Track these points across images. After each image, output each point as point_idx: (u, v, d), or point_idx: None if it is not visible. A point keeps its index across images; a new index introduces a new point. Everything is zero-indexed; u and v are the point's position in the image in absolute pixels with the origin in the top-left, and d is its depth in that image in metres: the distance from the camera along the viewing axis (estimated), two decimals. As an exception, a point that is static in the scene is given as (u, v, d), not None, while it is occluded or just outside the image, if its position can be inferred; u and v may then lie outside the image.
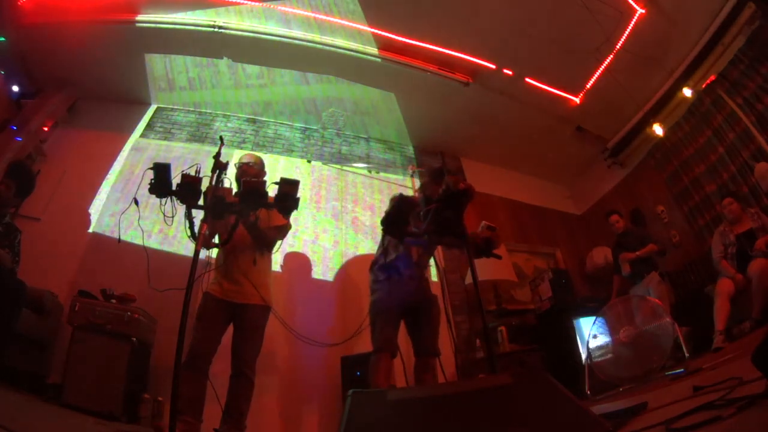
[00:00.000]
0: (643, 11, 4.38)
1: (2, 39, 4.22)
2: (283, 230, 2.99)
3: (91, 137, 4.63)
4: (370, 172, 5.41)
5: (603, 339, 3.26)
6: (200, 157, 4.65)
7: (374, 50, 4.67)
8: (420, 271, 2.87)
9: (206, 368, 2.56)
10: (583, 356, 3.50)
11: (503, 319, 4.45)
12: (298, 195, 2.30)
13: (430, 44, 4.64)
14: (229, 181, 2.86)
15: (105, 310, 3.09)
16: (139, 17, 4.33)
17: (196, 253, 2.18)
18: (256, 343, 2.78)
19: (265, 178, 2.76)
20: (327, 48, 4.61)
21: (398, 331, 2.73)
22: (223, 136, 3.17)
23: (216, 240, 2.87)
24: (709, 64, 4.70)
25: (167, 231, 3.95)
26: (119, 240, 2.67)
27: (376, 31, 4.54)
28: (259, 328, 2.81)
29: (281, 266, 4.29)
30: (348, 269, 4.54)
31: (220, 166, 2.59)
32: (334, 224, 4.83)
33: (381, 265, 2.81)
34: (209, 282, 2.82)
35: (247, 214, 2.62)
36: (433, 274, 3.59)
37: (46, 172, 4.02)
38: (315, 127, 5.62)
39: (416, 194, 3.19)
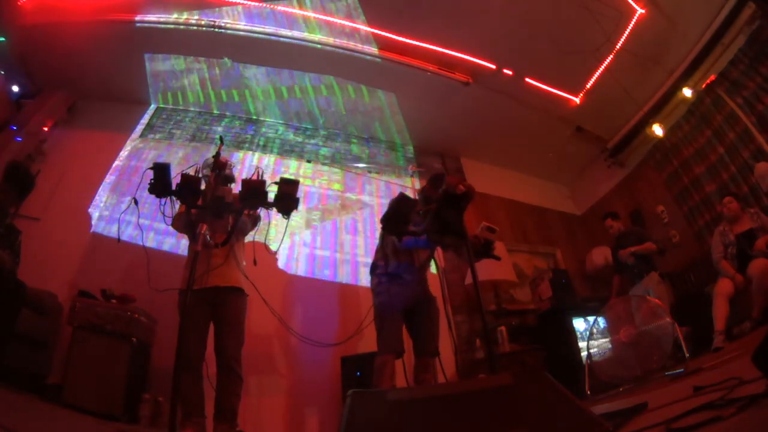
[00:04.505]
0: (643, 11, 4.38)
1: (2, 39, 4.22)
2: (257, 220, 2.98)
3: (90, 137, 4.63)
4: (370, 172, 5.41)
5: (603, 339, 3.26)
6: (200, 157, 4.66)
7: (374, 50, 4.66)
8: (422, 275, 2.87)
9: (200, 367, 2.55)
10: (583, 356, 3.50)
11: (503, 319, 4.45)
12: (298, 195, 2.29)
13: (430, 44, 4.64)
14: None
15: (105, 310, 3.09)
16: (139, 17, 4.32)
17: (196, 253, 2.18)
18: (240, 334, 2.74)
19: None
20: (327, 48, 4.61)
21: (402, 331, 2.73)
22: (223, 136, 3.17)
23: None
24: (709, 64, 4.70)
25: (167, 231, 3.95)
26: (119, 240, 2.67)
27: (376, 31, 4.53)
28: (240, 317, 2.77)
29: (280, 266, 4.30)
30: (348, 269, 4.54)
31: (219, 166, 2.59)
32: (334, 224, 4.83)
33: (383, 271, 2.80)
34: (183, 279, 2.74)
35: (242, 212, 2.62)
36: (433, 268, 3.59)
37: (45, 172, 4.01)
38: (315, 127, 5.62)
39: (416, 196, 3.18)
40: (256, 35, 4.51)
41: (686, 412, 1.34)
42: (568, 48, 4.52)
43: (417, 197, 2.89)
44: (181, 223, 2.74)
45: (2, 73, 4.39)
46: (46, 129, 4.40)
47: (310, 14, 4.44)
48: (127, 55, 4.63)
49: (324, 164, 5.28)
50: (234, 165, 3.12)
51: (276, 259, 4.22)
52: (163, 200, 2.28)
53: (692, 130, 4.90)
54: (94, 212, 4.18)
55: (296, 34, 4.54)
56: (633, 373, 2.93)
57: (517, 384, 1.41)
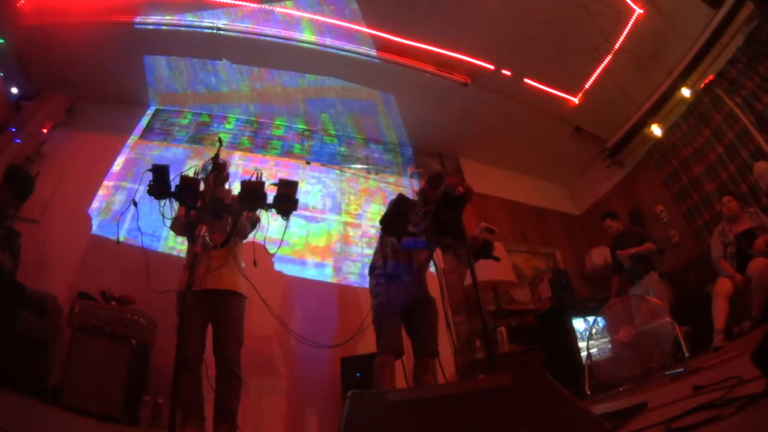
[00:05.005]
0: (642, 11, 4.39)
1: (1, 41, 4.22)
2: (256, 222, 2.97)
3: (90, 139, 4.63)
4: (369, 173, 5.41)
5: (603, 339, 3.26)
6: (199, 158, 4.66)
7: (373, 51, 4.67)
8: (420, 275, 2.87)
9: (199, 369, 2.56)
10: (583, 356, 3.50)
11: (503, 320, 4.45)
12: (297, 196, 2.29)
13: (428, 45, 4.64)
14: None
15: (105, 312, 3.09)
16: (138, 19, 4.32)
17: (195, 254, 2.18)
18: (239, 337, 2.74)
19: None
20: (326, 49, 4.62)
21: (401, 332, 2.73)
22: (222, 138, 3.17)
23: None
24: (708, 64, 4.71)
25: (166, 232, 3.95)
26: (118, 242, 2.67)
27: (374, 32, 4.54)
28: (238, 319, 2.76)
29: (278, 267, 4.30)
30: (347, 270, 4.54)
31: (218, 167, 2.59)
32: (333, 225, 4.83)
33: (381, 272, 2.80)
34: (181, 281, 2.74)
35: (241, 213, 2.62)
36: (432, 268, 3.59)
37: (45, 174, 4.01)
38: (314, 128, 5.62)
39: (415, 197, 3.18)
40: (254, 36, 4.51)
41: (686, 412, 1.34)
42: (566, 48, 4.53)
43: (416, 198, 2.90)
44: (179, 226, 2.74)
45: (1, 74, 4.39)
46: (45, 131, 4.40)
47: (309, 15, 4.44)
48: (126, 56, 4.63)
49: (323, 165, 5.28)
50: (230, 164, 3.11)
51: (274, 261, 4.22)
52: (163, 202, 2.28)
53: (691, 129, 4.91)
54: (93, 214, 4.17)
55: (295, 35, 4.55)
56: (633, 373, 2.92)
57: (516, 384, 1.41)
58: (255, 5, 4.34)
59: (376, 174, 5.43)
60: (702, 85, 4.75)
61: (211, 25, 4.43)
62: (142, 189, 2.21)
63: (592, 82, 5.04)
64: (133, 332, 3.11)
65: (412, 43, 4.61)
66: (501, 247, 4.46)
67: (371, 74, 4.93)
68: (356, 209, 5.07)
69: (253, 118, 5.47)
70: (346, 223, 4.90)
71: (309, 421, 3.70)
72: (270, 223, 2.73)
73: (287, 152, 5.30)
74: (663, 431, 1.30)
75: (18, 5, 4.04)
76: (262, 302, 2.82)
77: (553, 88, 5.15)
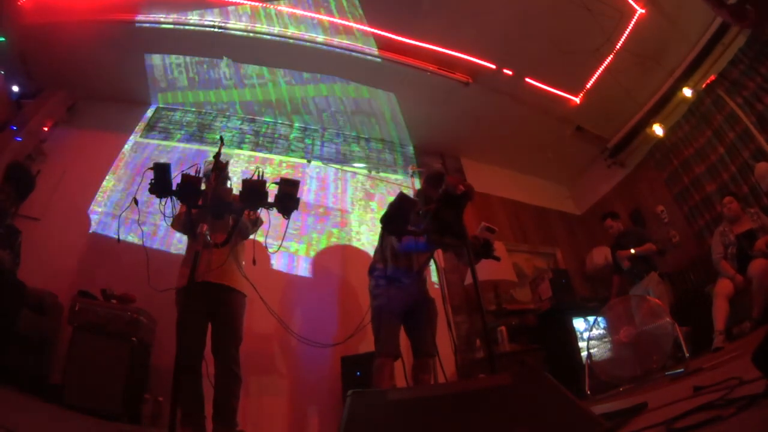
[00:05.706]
0: (643, 11, 4.39)
1: (2, 39, 4.22)
2: (257, 222, 2.96)
3: (90, 137, 4.63)
4: (370, 172, 5.41)
5: (603, 339, 3.27)
6: (200, 157, 4.65)
7: (374, 50, 4.67)
8: (420, 277, 2.87)
9: (199, 367, 2.56)
10: (583, 356, 3.50)
11: (503, 319, 4.45)
12: (299, 195, 2.29)
13: (430, 44, 4.64)
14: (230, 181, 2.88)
15: (105, 310, 3.09)
16: (139, 17, 4.32)
17: (196, 252, 2.18)
18: (237, 334, 2.74)
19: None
20: (327, 48, 4.61)
21: (399, 334, 2.74)
22: (223, 136, 3.17)
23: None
24: (709, 64, 4.71)
25: (167, 231, 3.95)
26: (119, 240, 2.67)
27: (376, 31, 4.53)
28: (238, 316, 2.77)
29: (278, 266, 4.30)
30: (347, 269, 4.54)
31: (220, 166, 2.59)
32: (334, 224, 4.83)
33: (381, 274, 2.80)
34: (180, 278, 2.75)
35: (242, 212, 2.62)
36: (434, 275, 3.58)
37: (45, 172, 4.01)
38: (315, 127, 5.62)
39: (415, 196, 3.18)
40: (255, 35, 4.51)
41: (686, 412, 1.34)
42: (568, 48, 4.52)
43: (416, 197, 2.89)
44: (180, 224, 2.74)
45: (2, 73, 4.39)
46: (46, 129, 4.40)
47: (310, 14, 4.44)
48: (127, 55, 4.63)
49: (324, 164, 5.28)
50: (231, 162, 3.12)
51: (275, 260, 4.22)
52: (164, 200, 2.28)
53: (692, 130, 4.90)
54: (94, 212, 4.18)
55: (296, 33, 4.55)
56: (633, 373, 2.93)
57: (516, 384, 1.41)
58: (256, 3, 4.34)
59: (378, 173, 5.42)
60: (703, 86, 4.75)
61: (211, 23, 4.42)
62: (144, 187, 2.21)
63: (594, 82, 5.04)
64: (134, 330, 3.11)
65: (414, 42, 4.61)
66: (502, 246, 4.47)
67: (373, 73, 4.92)
68: (357, 208, 5.07)
69: (254, 117, 5.47)
70: (346, 222, 4.90)
71: (309, 420, 3.70)
72: (271, 222, 2.73)
73: (288, 151, 5.30)
74: (663, 432, 1.30)
75: (19, 3, 4.04)
76: (262, 301, 2.82)
77: (554, 88, 5.14)
